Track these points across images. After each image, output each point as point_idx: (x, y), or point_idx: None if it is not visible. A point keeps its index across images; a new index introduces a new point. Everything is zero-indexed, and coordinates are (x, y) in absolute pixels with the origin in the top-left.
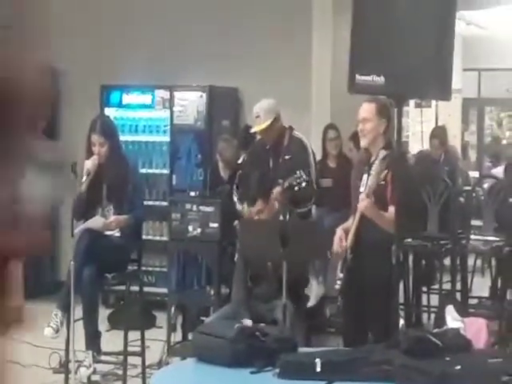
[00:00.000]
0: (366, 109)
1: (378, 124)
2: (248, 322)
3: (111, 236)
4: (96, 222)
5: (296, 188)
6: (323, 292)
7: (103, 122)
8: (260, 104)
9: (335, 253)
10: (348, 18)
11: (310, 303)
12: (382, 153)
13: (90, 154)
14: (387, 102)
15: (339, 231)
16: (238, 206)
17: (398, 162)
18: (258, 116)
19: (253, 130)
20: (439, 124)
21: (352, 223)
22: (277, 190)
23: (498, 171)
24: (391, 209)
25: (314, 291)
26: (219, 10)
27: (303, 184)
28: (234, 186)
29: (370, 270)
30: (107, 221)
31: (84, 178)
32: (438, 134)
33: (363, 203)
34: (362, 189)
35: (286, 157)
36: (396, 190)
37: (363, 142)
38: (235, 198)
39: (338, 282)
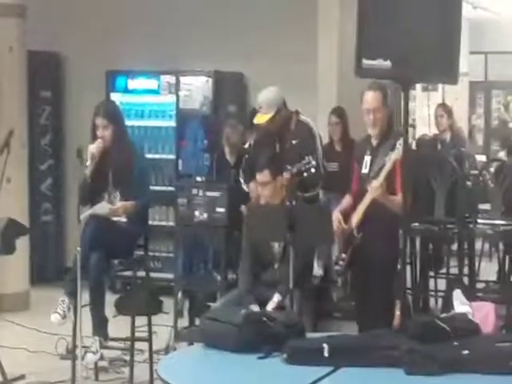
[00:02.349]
0: (375, 98)
1: (385, 112)
2: (255, 308)
3: (118, 222)
4: (102, 207)
5: (305, 174)
6: (321, 274)
7: (107, 105)
8: (263, 95)
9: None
10: (354, 1)
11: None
12: (399, 142)
13: (94, 138)
14: (385, 86)
15: (335, 213)
16: (245, 187)
17: (405, 147)
18: (261, 107)
19: (255, 122)
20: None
21: (351, 204)
22: (285, 175)
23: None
24: (400, 194)
25: (314, 270)
26: None
27: (312, 170)
28: (240, 170)
29: (379, 249)
30: (114, 207)
31: (88, 162)
32: (442, 111)
33: (378, 192)
34: (364, 170)
35: (293, 141)
36: (402, 174)
37: (374, 131)
38: (241, 180)
39: (341, 263)
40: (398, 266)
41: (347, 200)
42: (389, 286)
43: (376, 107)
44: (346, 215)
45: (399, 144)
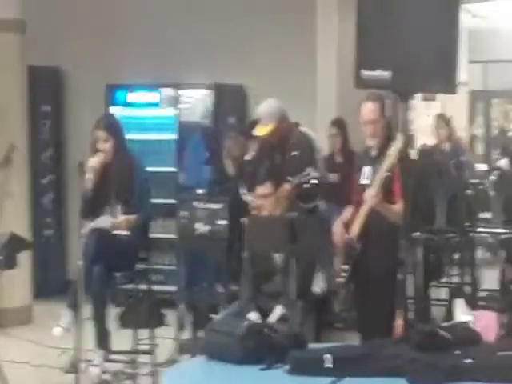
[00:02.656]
0: (373, 109)
1: (384, 122)
2: (253, 316)
3: (119, 235)
4: (105, 221)
5: (305, 185)
6: (325, 287)
7: (107, 118)
8: (263, 107)
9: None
10: (353, 12)
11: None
12: (394, 147)
13: (95, 151)
14: (383, 96)
15: (337, 224)
16: (245, 197)
17: (404, 156)
18: (261, 119)
19: (255, 134)
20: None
21: (352, 215)
22: (286, 186)
23: (504, 163)
24: (400, 203)
25: (316, 283)
26: (223, 9)
27: (312, 181)
28: (241, 181)
29: (379, 259)
30: (116, 220)
31: (88, 175)
32: (441, 121)
33: (373, 200)
34: (364, 181)
35: (293, 153)
36: (403, 184)
37: (372, 142)
38: (242, 190)
39: (343, 274)
40: (399, 276)
41: (349, 211)
42: (390, 297)
43: (374, 119)
44: (348, 226)
45: (390, 150)
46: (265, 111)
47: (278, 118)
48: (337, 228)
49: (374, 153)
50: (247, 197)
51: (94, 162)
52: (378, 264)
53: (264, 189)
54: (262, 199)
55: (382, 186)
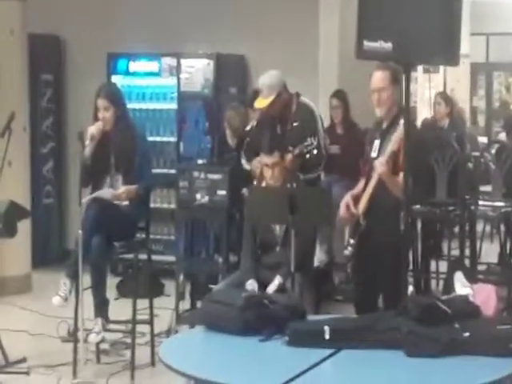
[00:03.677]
0: (381, 77)
1: (393, 92)
2: (251, 284)
3: (119, 204)
4: (105, 193)
5: (307, 155)
6: (326, 259)
7: (108, 86)
8: (263, 79)
9: (341, 218)
10: None
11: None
12: (396, 133)
13: (96, 120)
14: (399, 68)
15: (347, 197)
16: (247, 166)
17: (407, 128)
18: (262, 91)
19: (256, 106)
20: (447, 89)
21: (362, 189)
22: (288, 157)
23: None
24: (402, 175)
25: (316, 257)
26: None
27: (314, 151)
28: (242, 152)
29: (383, 235)
30: (117, 192)
31: (87, 143)
32: (441, 99)
33: (383, 168)
34: (373, 154)
35: (294, 124)
36: (405, 156)
37: (380, 112)
38: (243, 161)
39: (349, 248)
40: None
41: (360, 184)
42: (395, 272)
43: (381, 87)
44: (357, 199)
45: (402, 123)
46: (265, 84)
47: (278, 90)
48: (346, 201)
49: (384, 125)
50: (248, 165)
51: (92, 129)
52: (382, 240)
53: (273, 158)
54: (269, 169)
55: (390, 158)
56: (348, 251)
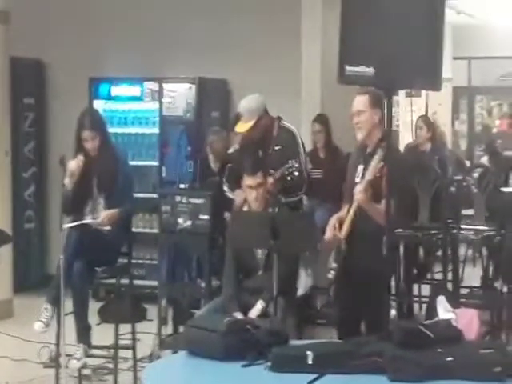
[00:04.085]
0: (360, 101)
1: (372, 115)
2: (238, 315)
3: (101, 229)
4: (87, 221)
5: (288, 178)
6: (311, 283)
7: (92, 116)
8: (244, 103)
9: (327, 241)
10: (337, 7)
11: (298, 293)
12: (382, 147)
13: (78, 150)
14: (379, 93)
15: (333, 220)
16: (229, 194)
17: (390, 152)
18: (242, 115)
19: (237, 130)
20: (429, 113)
21: (346, 213)
22: (269, 180)
23: (487, 160)
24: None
25: (303, 282)
26: (208, 3)
27: (295, 173)
28: (224, 178)
29: (364, 260)
30: (98, 220)
31: (68, 181)
32: (422, 123)
33: (360, 196)
34: (357, 180)
35: (276, 147)
36: (387, 180)
37: (360, 135)
38: (225, 187)
39: (332, 272)
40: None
41: (344, 209)
42: (376, 297)
43: (360, 109)
44: (342, 223)
45: (379, 151)
46: (245, 108)
47: (259, 114)
48: (331, 224)
49: (368, 149)
50: (230, 194)
51: (73, 166)
52: (363, 265)
53: (256, 179)
54: (253, 190)
55: (370, 185)
56: (331, 275)
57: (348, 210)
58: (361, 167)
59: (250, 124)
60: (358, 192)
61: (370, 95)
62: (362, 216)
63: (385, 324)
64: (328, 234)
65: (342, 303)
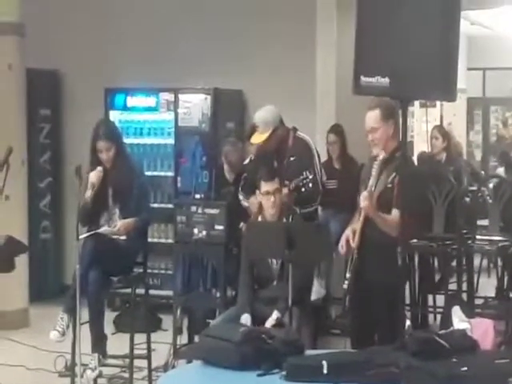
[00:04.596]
0: (372, 117)
1: (386, 129)
2: (245, 319)
3: (117, 239)
4: (104, 230)
5: (303, 189)
6: (324, 293)
7: (107, 126)
8: (259, 115)
9: (342, 254)
10: (352, 18)
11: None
12: (396, 157)
13: (94, 161)
14: (391, 102)
15: (347, 231)
16: (245, 203)
17: (404, 163)
18: (258, 126)
19: (252, 142)
20: (444, 123)
21: (358, 223)
22: (284, 191)
23: (503, 170)
24: (394, 211)
25: (315, 292)
26: (223, 13)
27: (310, 185)
28: (240, 188)
29: (374, 270)
30: (115, 229)
31: (89, 193)
32: (437, 133)
33: (365, 203)
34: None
35: (291, 158)
36: (401, 191)
37: (376, 150)
38: (240, 196)
39: (346, 282)
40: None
41: (355, 218)
42: (389, 307)
43: (374, 127)
44: (354, 235)
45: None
46: (261, 119)
47: (274, 125)
48: (346, 235)
49: (381, 159)
50: (246, 202)
51: (93, 178)
52: (375, 276)
53: (273, 185)
54: (271, 196)
55: (380, 195)
56: (345, 284)
57: (359, 220)
58: (373, 177)
59: (266, 135)
60: (363, 199)
61: (381, 109)
62: (369, 226)
63: (398, 334)
64: (342, 246)
65: (355, 313)
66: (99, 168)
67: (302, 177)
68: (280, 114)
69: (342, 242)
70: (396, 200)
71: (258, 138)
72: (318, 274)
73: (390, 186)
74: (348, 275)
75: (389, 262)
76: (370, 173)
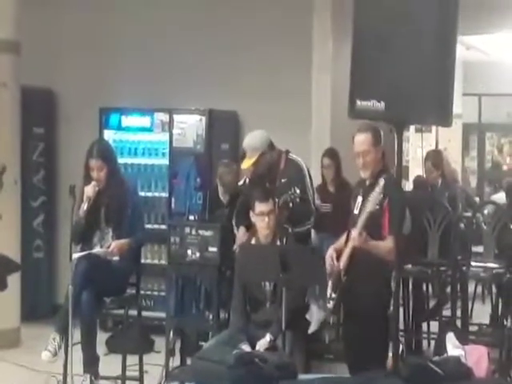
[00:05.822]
0: (363, 141)
1: (376, 153)
2: (246, 347)
3: (110, 260)
4: (97, 251)
5: (290, 204)
6: (324, 316)
7: (100, 145)
8: (247, 140)
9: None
10: (348, 42)
11: (312, 329)
12: (381, 181)
13: (88, 179)
14: (377, 126)
15: (330, 250)
16: (235, 230)
17: (394, 188)
18: (246, 152)
19: (242, 167)
20: (439, 149)
21: (344, 243)
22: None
23: (499, 197)
24: (388, 239)
25: (315, 316)
26: (218, 34)
27: (297, 200)
28: (234, 211)
29: (365, 295)
30: (109, 249)
31: (85, 206)
32: (432, 157)
33: (359, 241)
34: (355, 211)
35: (283, 180)
36: (393, 217)
37: (366, 174)
38: (233, 222)
39: (331, 302)
40: (390, 308)
41: (343, 238)
42: (376, 330)
43: (365, 150)
44: (339, 254)
45: (370, 196)
46: (248, 145)
47: (262, 150)
48: (329, 254)
49: (367, 182)
50: (235, 230)
51: (89, 191)
52: (364, 298)
53: (268, 205)
54: (265, 216)
55: (367, 222)
56: (330, 305)
57: (346, 240)
58: (360, 199)
59: (252, 160)
60: (353, 239)
61: (372, 133)
62: (360, 251)
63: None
64: (326, 265)
65: (347, 335)
66: (94, 182)
67: (290, 192)
68: (270, 137)
69: (327, 261)
70: (388, 226)
71: (246, 163)
72: (314, 298)
73: (377, 207)
74: (333, 295)
75: (378, 286)
76: (356, 194)
